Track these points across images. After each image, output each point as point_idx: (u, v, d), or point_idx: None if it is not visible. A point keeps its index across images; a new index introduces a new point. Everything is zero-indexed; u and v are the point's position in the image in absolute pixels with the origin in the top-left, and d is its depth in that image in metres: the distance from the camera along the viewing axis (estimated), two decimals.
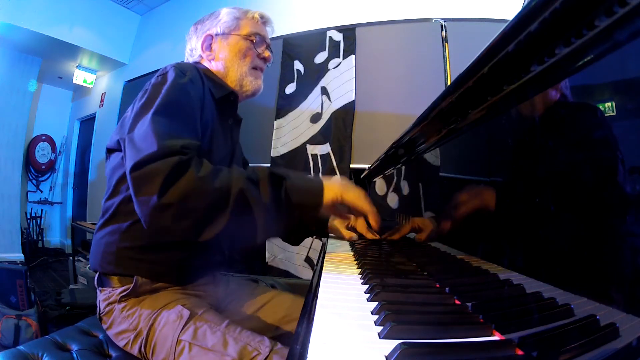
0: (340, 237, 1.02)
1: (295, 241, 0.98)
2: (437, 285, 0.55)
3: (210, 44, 0.93)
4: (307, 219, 0.72)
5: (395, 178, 1.14)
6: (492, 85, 0.44)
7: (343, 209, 0.77)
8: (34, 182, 4.86)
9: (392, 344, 0.32)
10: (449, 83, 1.02)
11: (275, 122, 2.59)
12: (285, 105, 2.58)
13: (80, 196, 4.65)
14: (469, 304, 0.44)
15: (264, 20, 0.97)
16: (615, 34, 0.26)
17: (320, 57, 2.50)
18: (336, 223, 1.03)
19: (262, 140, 2.59)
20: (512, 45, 0.36)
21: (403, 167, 1.05)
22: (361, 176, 1.59)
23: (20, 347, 0.77)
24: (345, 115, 2.34)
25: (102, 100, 4.42)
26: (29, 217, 4.61)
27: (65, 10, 3.55)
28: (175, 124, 0.68)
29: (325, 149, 2.38)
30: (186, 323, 0.69)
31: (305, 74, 2.54)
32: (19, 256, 3.84)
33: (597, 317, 0.28)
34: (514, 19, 0.34)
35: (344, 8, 2.48)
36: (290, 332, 0.90)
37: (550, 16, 0.30)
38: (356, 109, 2.33)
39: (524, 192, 0.42)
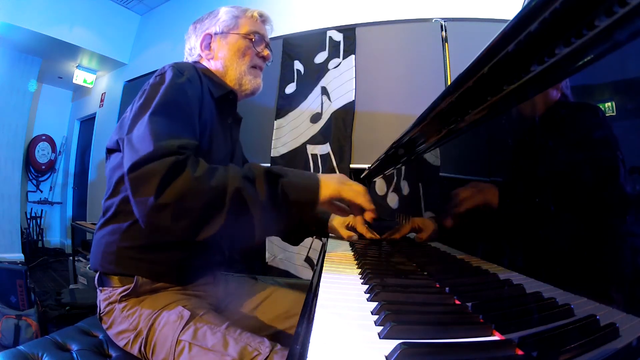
0: (340, 237, 1.02)
1: (295, 241, 0.98)
2: (437, 285, 0.55)
3: (209, 43, 0.93)
4: (306, 217, 0.73)
5: (395, 178, 1.14)
6: (492, 85, 0.44)
7: (341, 205, 0.77)
8: (34, 182, 4.86)
9: (392, 344, 0.32)
10: (449, 83, 1.02)
11: (275, 122, 2.59)
12: (285, 105, 2.58)
13: (80, 196, 4.65)
14: (469, 304, 0.44)
15: (263, 19, 0.97)
16: (615, 34, 0.26)
17: (320, 57, 2.50)
18: (335, 223, 1.03)
19: (262, 140, 2.59)
20: (512, 45, 0.36)
21: (403, 167, 1.05)
22: (361, 176, 1.59)
23: (20, 347, 0.77)
24: (345, 115, 2.34)
25: (102, 100, 4.42)
26: (29, 217, 4.61)
27: (65, 10, 3.54)
28: (172, 124, 0.68)
29: (325, 149, 2.38)
30: (186, 323, 0.69)
31: (305, 74, 2.54)
32: (19, 256, 3.84)
33: (597, 317, 0.28)
34: (514, 19, 0.34)
35: (344, 8, 2.48)
36: (290, 328, 0.90)
37: (550, 16, 0.30)
38: (356, 109, 2.33)
39: (524, 192, 0.42)
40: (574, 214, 0.33)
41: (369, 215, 0.75)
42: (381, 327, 0.36)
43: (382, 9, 2.35)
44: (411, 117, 0.73)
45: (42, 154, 4.82)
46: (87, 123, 4.77)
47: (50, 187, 5.01)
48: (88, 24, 3.75)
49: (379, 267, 0.69)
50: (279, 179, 0.67)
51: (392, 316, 0.38)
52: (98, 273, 0.80)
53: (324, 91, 2.45)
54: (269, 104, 2.62)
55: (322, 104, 2.44)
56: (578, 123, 0.35)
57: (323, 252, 0.87)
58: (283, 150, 2.55)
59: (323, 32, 2.51)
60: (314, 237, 2.15)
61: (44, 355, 0.75)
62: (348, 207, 0.78)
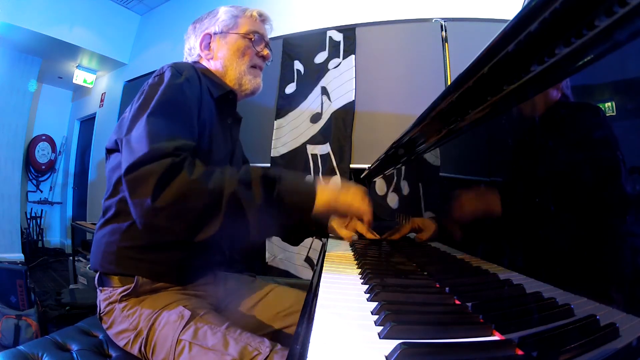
0: (340, 237, 1.02)
1: (295, 241, 0.98)
2: (437, 285, 0.55)
3: (209, 43, 0.93)
4: (303, 220, 0.72)
5: (395, 178, 1.14)
6: (492, 85, 0.44)
7: (341, 210, 0.76)
8: (34, 182, 4.86)
9: (392, 344, 0.32)
10: (449, 83, 1.02)
11: (275, 122, 2.59)
12: (285, 105, 2.58)
13: (80, 196, 4.65)
14: (469, 304, 0.44)
15: (262, 19, 0.97)
16: (615, 34, 0.26)
17: (320, 57, 2.50)
18: (334, 224, 1.03)
19: (262, 140, 2.59)
20: (512, 45, 0.36)
21: (403, 167, 1.05)
22: (361, 176, 1.59)
23: (20, 347, 0.77)
24: (345, 115, 2.34)
25: (102, 100, 4.42)
26: (29, 217, 4.61)
27: (65, 10, 3.54)
28: (170, 124, 0.68)
29: (325, 149, 2.38)
30: (187, 323, 0.69)
31: (305, 74, 2.54)
32: (19, 256, 3.84)
33: (597, 317, 0.28)
34: (514, 19, 0.34)
35: (344, 8, 2.48)
36: (290, 327, 0.90)
37: (550, 16, 0.30)
38: (356, 109, 2.33)
39: (524, 192, 0.42)
40: (574, 214, 0.33)
41: (367, 224, 0.74)
42: (381, 327, 0.36)
43: (382, 9, 2.35)
44: (411, 117, 0.73)
45: (42, 154, 4.82)
46: (87, 123, 4.77)
47: (50, 187, 5.01)
48: (88, 24, 3.75)
49: (379, 267, 0.69)
50: (275, 183, 0.67)
51: (392, 316, 0.38)
52: (98, 273, 0.80)
53: (324, 91, 2.45)
54: (269, 104, 2.62)
55: (322, 104, 2.44)
56: (578, 123, 0.35)
57: (323, 252, 0.87)
58: (283, 150, 2.55)
59: (323, 32, 2.51)
60: (314, 237, 2.15)
61: (44, 355, 0.75)
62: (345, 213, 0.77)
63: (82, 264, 2.87)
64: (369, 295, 0.48)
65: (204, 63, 0.94)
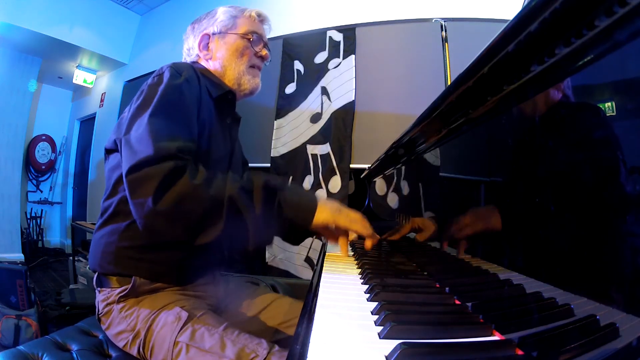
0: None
1: (296, 240, 0.98)
2: (437, 285, 0.55)
3: (208, 43, 0.93)
4: (301, 232, 0.73)
5: (395, 178, 1.14)
6: (492, 85, 0.44)
7: (337, 232, 0.76)
8: (34, 182, 4.86)
9: (392, 344, 0.32)
10: (449, 83, 1.02)
11: (275, 122, 2.59)
12: (285, 105, 2.57)
13: (80, 196, 4.65)
14: (469, 304, 0.44)
15: (261, 19, 0.97)
16: (615, 34, 0.26)
17: (320, 57, 2.50)
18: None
19: (262, 140, 2.59)
20: (512, 45, 0.36)
21: (403, 167, 1.05)
22: (361, 176, 1.59)
23: (20, 347, 0.77)
24: (345, 115, 2.34)
25: (102, 100, 4.42)
26: (29, 217, 4.61)
27: (65, 10, 3.54)
28: (171, 125, 0.69)
29: (325, 149, 2.38)
30: (184, 325, 0.69)
31: (305, 74, 2.54)
32: (19, 256, 3.84)
33: (597, 317, 0.28)
34: (514, 19, 0.34)
35: (344, 8, 2.48)
36: (290, 336, 0.90)
37: (550, 16, 0.30)
38: (356, 109, 2.33)
39: (524, 192, 0.42)
40: (574, 214, 0.33)
41: (369, 243, 0.75)
42: (381, 327, 0.36)
43: (382, 9, 2.35)
44: (411, 117, 0.73)
45: (42, 154, 4.82)
46: (87, 123, 4.77)
47: (50, 187, 5.01)
48: (88, 24, 3.75)
49: (379, 267, 0.69)
50: (276, 194, 0.67)
51: (392, 316, 0.38)
52: (97, 274, 0.80)
53: (324, 91, 2.44)
54: (269, 104, 2.62)
55: (322, 104, 2.44)
56: (578, 123, 0.35)
57: (323, 252, 0.87)
58: (283, 150, 2.54)
59: (323, 32, 2.51)
60: (314, 237, 2.15)
61: (44, 355, 0.75)
62: (344, 232, 0.77)
63: (82, 264, 2.87)
64: (369, 295, 0.48)
65: (203, 63, 0.94)
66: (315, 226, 0.70)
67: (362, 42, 2.39)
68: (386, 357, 0.31)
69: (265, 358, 0.63)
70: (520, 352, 0.32)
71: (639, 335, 0.24)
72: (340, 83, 2.39)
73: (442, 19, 1.68)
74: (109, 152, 0.83)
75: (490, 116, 0.50)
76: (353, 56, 2.38)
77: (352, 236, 0.84)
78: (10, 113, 3.95)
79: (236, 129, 1.00)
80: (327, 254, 0.83)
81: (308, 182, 2.40)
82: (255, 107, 2.56)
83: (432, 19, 1.72)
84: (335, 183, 2.30)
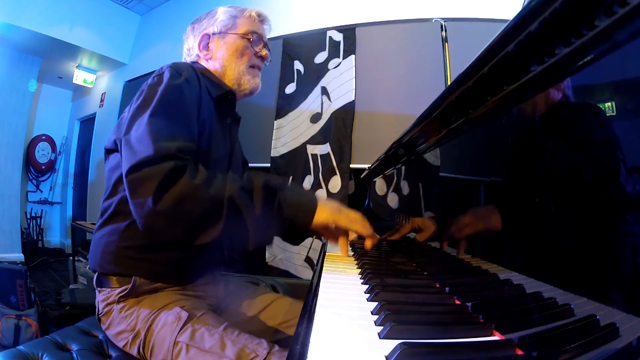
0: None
1: (296, 241, 0.98)
2: (437, 285, 0.55)
3: (207, 43, 0.93)
4: (301, 232, 0.73)
5: (395, 178, 1.14)
6: (492, 85, 0.44)
7: (337, 232, 0.76)
8: (34, 182, 4.86)
9: (392, 344, 0.32)
10: (449, 83, 1.02)
11: (275, 122, 2.59)
12: (285, 105, 2.57)
13: (80, 196, 4.65)
14: (469, 304, 0.44)
15: (261, 19, 0.97)
16: (615, 34, 0.26)
17: (320, 57, 2.50)
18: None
19: (262, 140, 2.59)
20: (512, 45, 0.36)
21: (403, 167, 1.05)
22: (361, 176, 1.59)
23: (20, 347, 0.77)
24: (345, 115, 2.34)
25: (102, 100, 4.42)
26: (29, 217, 4.61)
27: (65, 10, 3.54)
28: (170, 125, 0.69)
29: (325, 149, 2.38)
30: (184, 325, 0.69)
31: (305, 74, 2.54)
32: (19, 256, 3.84)
33: (597, 317, 0.28)
34: (514, 19, 0.34)
35: (344, 8, 2.48)
36: (290, 336, 0.90)
37: (550, 16, 0.30)
38: (356, 109, 2.33)
39: (524, 192, 0.42)
40: (574, 214, 0.33)
41: (369, 243, 0.75)
42: (381, 327, 0.36)
43: (382, 9, 2.35)
44: (411, 117, 0.73)
45: (42, 154, 4.82)
46: (87, 123, 4.77)
47: (50, 187, 5.01)
48: (88, 24, 3.75)
49: (379, 267, 0.69)
50: (276, 194, 0.68)
51: (392, 316, 0.38)
52: (97, 274, 0.80)
53: (324, 91, 2.44)
54: (269, 104, 2.62)
55: (322, 104, 2.44)
56: (578, 123, 0.35)
57: (323, 252, 0.87)
58: (283, 150, 2.54)
59: (323, 32, 2.51)
60: (314, 237, 2.15)
61: (44, 355, 0.75)
62: (344, 232, 0.77)
63: (82, 264, 2.87)
64: (369, 295, 0.48)
65: (203, 63, 0.94)
66: (315, 226, 0.70)
67: (362, 42, 2.39)
68: (386, 357, 0.31)
69: (265, 358, 0.63)
70: (520, 352, 0.32)
71: (639, 335, 0.24)
72: (340, 83, 2.39)
73: (442, 19, 1.68)
74: (109, 152, 0.83)
75: (490, 116, 0.50)
76: (353, 56, 2.38)
77: (352, 236, 0.84)
78: (10, 113, 3.95)
79: (236, 129, 1.00)
80: (327, 254, 0.83)
81: (308, 182, 2.40)
82: (255, 107, 2.56)
83: (432, 19, 1.72)
84: (335, 183, 2.30)
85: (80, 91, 4.93)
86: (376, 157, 1.21)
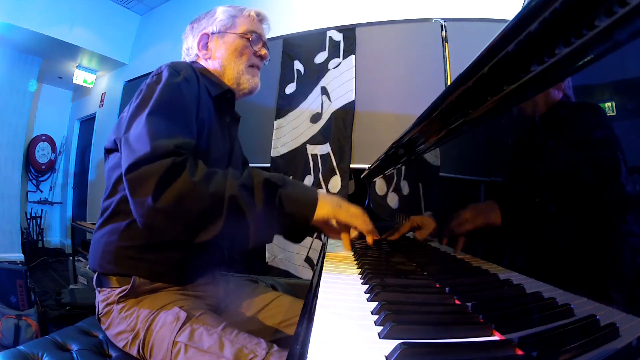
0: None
1: (297, 238, 0.98)
2: (437, 285, 0.55)
3: (207, 43, 0.93)
4: (302, 227, 0.73)
5: (395, 178, 1.14)
6: (492, 85, 0.44)
7: (338, 227, 0.76)
8: (34, 182, 4.86)
9: (392, 344, 0.32)
10: (449, 83, 1.02)
11: (275, 122, 2.59)
12: (285, 105, 2.57)
13: (80, 196, 4.65)
14: (469, 304, 0.44)
15: (260, 18, 0.97)
16: (615, 34, 0.26)
17: (320, 57, 2.50)
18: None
19: (262, 140, 2.59)
20: (512, 45, 0.36)
21: (403, 167, 1.05)
22: (361, 176, 1.59)
23: (20, 347, 0.77)
24: (345, 115, 2.34)
25: (102, 100, 4.42)
26: (29, 217, 4.61)
27: (65, 10, 3.54)
28: (169, 123, 0.69)
29: (325, 149, 2.38)
30: (183, 325, 0.69)
31: (305, 74, 2.54)
32: (19, 256, 3.84)
33: (597, 317, 0.28)
34: (514, 19, 0.34)
35: (344, 8, 2.48)
36: (289, 335, 0.90)
37: (550, 16, 0.30)
38: (356, 109, 2.33)
39: (524, 192, 0.42)
40: (574, 214, 0.33)
41: (369, 239, 0.75)
42: (381, 327, 0.36)
43: (382, 9, 2.35)
44: (411, 117, 0.73)
45: (42, 154, 4.82)
46: (87, 123, 4.77)
47: (50, 187, 5.01)
48: (88, 24, 3.75)
49: (379, 267, 0.69)
50: (277, 189, 0.68)
51: (392, 316, 0.38)
52: (96, 274, 0.80)
53: (324, 91, 2.44)
54: (269, 104, 2.62)
55: (322, 104, 2.44)
56: (578, 123, 0.35)
57: (323, 252, 0.87)
58: (283, 150, 2.54)
59: (323, 32, 2.51)
60: (314, 236, 2.15)
61: (44, 355, 0.75)
62: (345, 228, 0.78)
63: (82, 264, 2.87)
64: (369, 295, 0.48)
65: (202, 63, 0.94)
66: (316, 221, 0.70)
67: (362, 42, 2.39)
68: (386, 357, 0.31)
69: (263, 358, 0.63)
70: (520, 352, 0.32)
71: (639, 335, 0.24)
72: (340, 83, 2.39)
73: (442, 19, 1.68)
74: (108, 151, 0.83)
75: (490, 116, 0.50)
76: (353, 56, 2.38)
77: (354, 233, 0.84)
78: (10, 113, 3.96)
79: (236, 128, 1.00)
80: (327, 254, 0.83)
81: (308, 182, 2.40)
82: (255, 107, 2.56)
83: (432, 19, 1.72)
84: (335, 183, 2.30)
85: (80, 91, 4.94)
86: (376, 157, 1.21)
